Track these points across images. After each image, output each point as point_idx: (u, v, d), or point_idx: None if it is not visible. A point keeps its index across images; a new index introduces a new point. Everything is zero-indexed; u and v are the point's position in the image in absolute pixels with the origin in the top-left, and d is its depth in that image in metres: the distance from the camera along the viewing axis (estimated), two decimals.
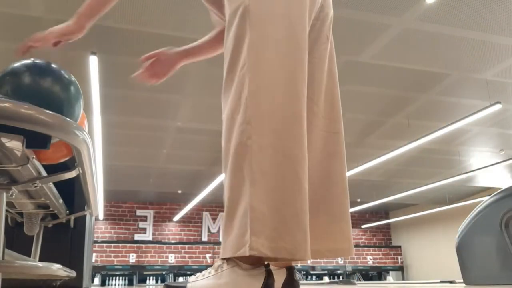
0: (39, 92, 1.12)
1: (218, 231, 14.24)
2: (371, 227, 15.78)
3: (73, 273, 1.79)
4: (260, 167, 1.06)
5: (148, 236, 13.59)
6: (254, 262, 1.09)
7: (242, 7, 1.17)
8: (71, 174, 1.24)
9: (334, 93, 1.37)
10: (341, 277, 13.50)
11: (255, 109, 1.10)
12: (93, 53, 4.47)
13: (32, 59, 1.19)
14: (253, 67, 1.12)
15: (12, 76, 1.13)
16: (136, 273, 12.30)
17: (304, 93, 1.17)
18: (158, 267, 12.72)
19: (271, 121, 1.09)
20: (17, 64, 1.15)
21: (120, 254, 12.75)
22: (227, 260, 1.11)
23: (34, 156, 1.15)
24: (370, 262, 14.80)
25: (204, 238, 14.07)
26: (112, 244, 12.81)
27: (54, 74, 1.18)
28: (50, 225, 1.96)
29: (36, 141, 1.00)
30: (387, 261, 14.99)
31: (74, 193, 1.96)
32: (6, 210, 1.47)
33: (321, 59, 1.36)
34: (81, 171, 1.24)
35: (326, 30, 1.40)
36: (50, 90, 1.14)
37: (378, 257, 15.00)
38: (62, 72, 1.21)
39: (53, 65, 1.20)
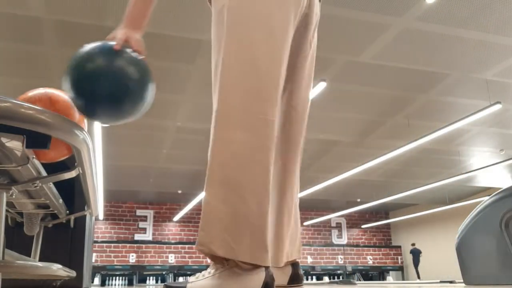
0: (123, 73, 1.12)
1: None
2: (371, 227, 15.78)
3: (73, 273, 1.79)
4: (221, 166, 1.11)
5: (148, 236, 13.59)
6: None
7: (223, 7, 1.19)
8: (71, 174, 1.24)
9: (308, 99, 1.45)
10: (341, 277, 13.51)
11: (221, 108, 1.14)
12: None
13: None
14: (224, 70, 1.15)
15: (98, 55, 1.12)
16: (136, 273, 12.30)
17: (277, 98, 1.17)
18: (158, 267, 12.72)
19: (234, 120, 1.12)
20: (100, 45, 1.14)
21: (120, 254, 12.75)
22: (227, 260, 1.11)
23: (34, 156, 1.14)
24: (370, 262, 14.80)
25: None
26: (112, 244, 12.81)
27: (127, 56, 1.16)
28: (50, 225, 1.96)
29: (36, 141, 1.00)
30: (387, 261, 14.99)
31: (74, 193, 1.96)
32: (6, 210, 1.47)
33: (302, 67, 1.39)
34: (81, 171, 1.25)
35: (309, 36, 1.39)
36: (127, 72, 1.13)
37: (378, 257, 15.00)
38: (134, 54, 1.18)
39: (126, 48, 1.16)
